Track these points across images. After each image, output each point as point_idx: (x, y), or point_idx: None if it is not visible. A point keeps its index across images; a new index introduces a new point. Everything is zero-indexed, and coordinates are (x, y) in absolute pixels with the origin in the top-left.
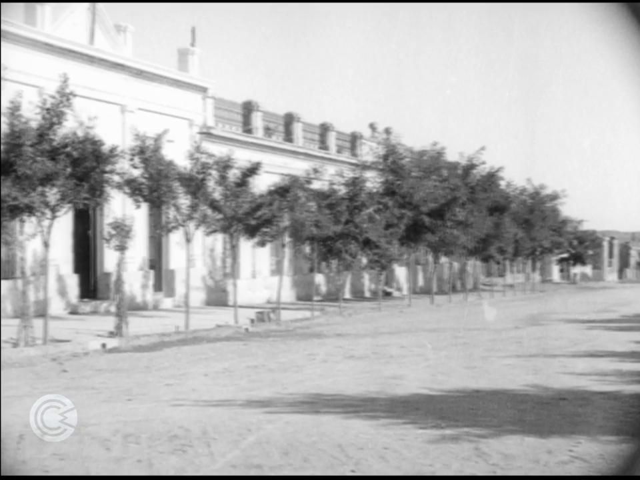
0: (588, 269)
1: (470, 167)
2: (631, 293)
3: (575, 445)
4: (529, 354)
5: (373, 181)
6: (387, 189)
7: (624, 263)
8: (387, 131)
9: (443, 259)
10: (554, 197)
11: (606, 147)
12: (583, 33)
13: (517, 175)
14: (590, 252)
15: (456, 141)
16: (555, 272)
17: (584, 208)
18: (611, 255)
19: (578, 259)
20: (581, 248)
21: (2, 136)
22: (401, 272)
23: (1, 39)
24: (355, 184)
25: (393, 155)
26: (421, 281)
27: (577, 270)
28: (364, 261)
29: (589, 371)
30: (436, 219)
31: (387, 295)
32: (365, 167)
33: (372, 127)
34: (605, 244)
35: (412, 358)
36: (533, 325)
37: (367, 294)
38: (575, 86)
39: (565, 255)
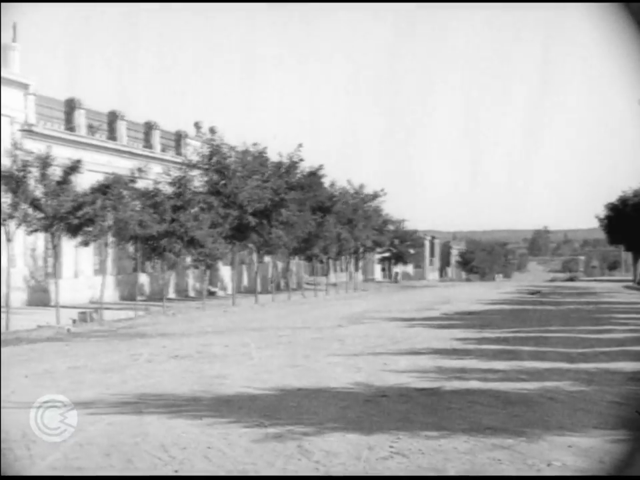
0: (409, 268)
1: (291, 165)
2: (451, 291)
3: (395, 440)
4: (352, 352)
5: (199, 180)
6: (212, 188)
7: (445, 262)
8: (212, 130)
9: (267, 259)
10: (374, 196)
11: (429, 148)
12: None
13: (342, 174)
14: (411, 251)
15: (287, 140)
16: (377, 271)
17: (406, 208)
18: (432, 254)
19: (399, 258)
20: (402, 247)
21: None
22: (225, 271)
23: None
24: (180, 183)
25: (218, 154)
26: (245, 281)
27: (398, 269)
28: (188, 259)
29: (409, 368)
30: (261, 219)
31: (212, 294)
32: (190, 166)
33: (197, 125)
34: (427, 243)
35: (236, 357)
36: (356, 323)
37: (192, 293)
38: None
39: (387, 254)
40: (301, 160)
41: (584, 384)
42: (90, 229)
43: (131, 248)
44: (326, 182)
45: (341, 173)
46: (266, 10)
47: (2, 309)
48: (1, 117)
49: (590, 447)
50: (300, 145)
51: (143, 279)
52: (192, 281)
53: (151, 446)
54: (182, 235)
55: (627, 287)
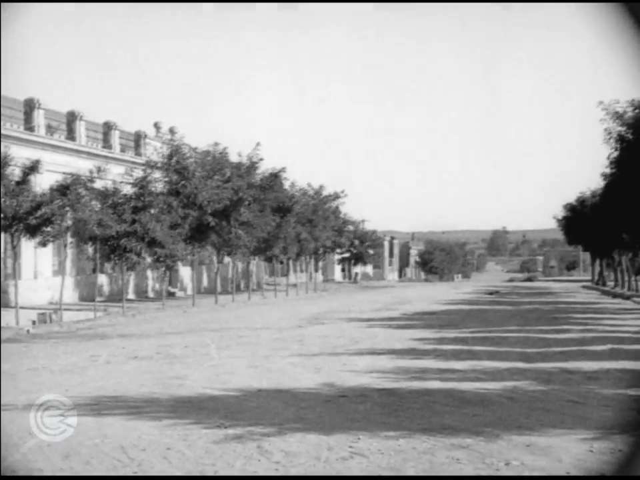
0: (369, 269)
1: (251, 166)
2: (410, 292)
3: (355, 440)
4: (311, 353)
5: (158, 181)
6: (172, 189)
7: (404, 263)
8: (172, 131)
9: (227, 259)
10: (335, 197)
11: (389, 149)
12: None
13: (301, 174)
14: (371, 251)
15: (251, 141)
16: (337, 271)
17: (366, 209)
18: (391, 254)
19: (359, 258)
20: (362, 247)
21: None
22: (185, 272)
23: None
24: (141, 184)
25: (177, 155)
26: (205, 281)
27: (358, 269)
28: (148, 260)
29: (369, 368)
30: (221, 219)
31: (171, 295)
32: (150, 166)
33: (156, 126)
34: (386, 244)
35: (196, 358)
36: (315, 323)
37: (151, 294)
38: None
39: (347, 255)
40: (261, 159)
41: (542, 383)
42: (48, 229)
43: (90, 248)
44: (287, 183)
45: (300, 172)
46: (229, 9)
47: None
48: None
49: (548, 446)
50: (258, 144)
51: (102, 279)
52: (151, 281)
53: (110, 447)
54: (142, 235)
55: (585, 287)
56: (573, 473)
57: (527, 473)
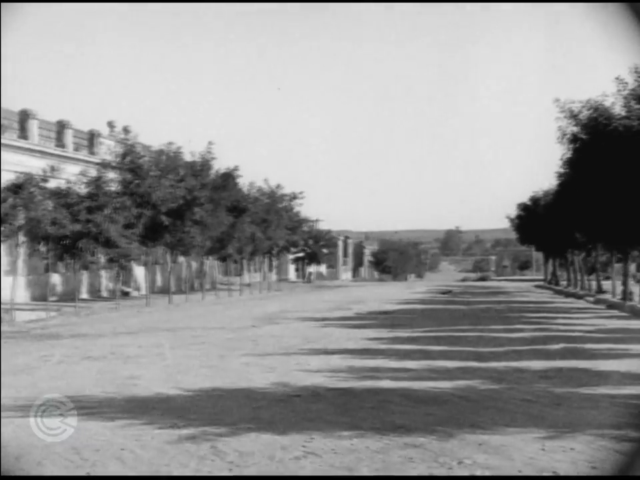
0: (323, 268)
1: (204, 165)
2: (364, 291)
3: (309, 440)
4: (265, 352)
5: (114, 181)
6: (126, 188)
7: (358, 262)
8: (126, 130)
9: (181, 259)
10: (292, 197)
11: (341, 148)
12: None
13: (253, 173)
14: (325, 251)
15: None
16: (291, 271)
17: (320, 208)
18: (345, 254)
19: (313, 258)
20: (316, 247)
21: None
22: (139, 271)
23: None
24: (96, 185)
25: (131, 154)
26: (159, 281)
27: (312, 269)
28: (102, 259)
29: (322, 367)
30: (175, 219)
31: (125, 294)
32: (104, 165)
33: (110, 125)
34: (340, 243)
35: (150, 358)
36: (269, 323)
37: (105, 294)
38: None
39: (301, 254)
40: (213, 158)
41: (495, 382)
42: (1, 228)
43: (42, 248)
44: (245, 182)
45: (252, 171)
46: (185, 7)
47: None
48: None
49: (501, 444)
50: (210, 143)
51: (55, 279)
52: (105, 281)
53: (62, 448)
54: (97, 235)
55: (538, 287)
56: (525, 471)
57: (479, 472)
